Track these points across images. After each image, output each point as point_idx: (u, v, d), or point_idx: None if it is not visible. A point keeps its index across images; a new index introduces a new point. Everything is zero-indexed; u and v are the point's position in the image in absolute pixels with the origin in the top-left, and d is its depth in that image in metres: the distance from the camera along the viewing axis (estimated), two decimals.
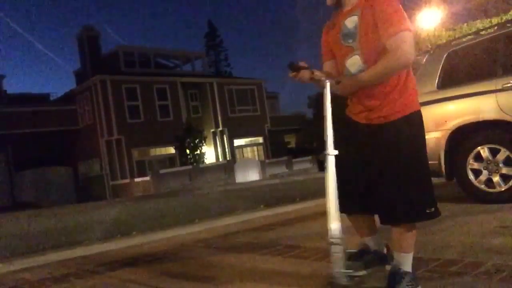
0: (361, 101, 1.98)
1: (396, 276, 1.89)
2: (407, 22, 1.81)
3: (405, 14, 1.83)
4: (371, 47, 1.88)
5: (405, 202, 1.84)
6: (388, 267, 2.05)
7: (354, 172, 1.98)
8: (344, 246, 1.86)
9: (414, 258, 2.42)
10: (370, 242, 2.20)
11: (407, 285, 1.86)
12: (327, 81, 1.93)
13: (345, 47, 1.95)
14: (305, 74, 1.92)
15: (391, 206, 1.86)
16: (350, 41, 1.93)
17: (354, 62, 1.94)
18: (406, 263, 1.93)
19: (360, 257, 2.13)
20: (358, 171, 1.97)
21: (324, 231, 2.58)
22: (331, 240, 1.85)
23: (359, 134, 1.99)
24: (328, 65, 2.11)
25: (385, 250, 2.21)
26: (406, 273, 1.90)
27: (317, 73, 1.94)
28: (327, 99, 1.93)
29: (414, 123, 1.92)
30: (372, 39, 1.86)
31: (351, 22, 1.92)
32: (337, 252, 1.86)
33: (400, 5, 1.84)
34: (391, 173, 1.86)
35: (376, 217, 2.05)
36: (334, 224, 1.85)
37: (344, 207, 1.93)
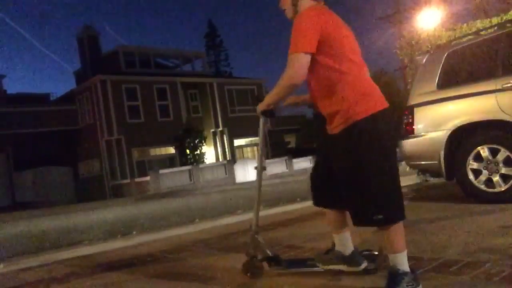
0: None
1: (394, 276, 1.89)
2: (300, 43, 1.90)
3: (304, 32, 1.91)
4: None
5: (353, 208, 1.98)
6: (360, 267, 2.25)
7: (323, 174, 2.21)
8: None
9: (414, 258, 2.44)
10: (336, 239, 2.34)
11: (407, 285, 1.86)
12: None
13: None
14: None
15: (349, 209, 2.03)
16: None
17: None
18: (400, 263, 1.92)
19: (326, 253, 2.39)
20: (326, 174, 2.18)
21: (324, 231, 2.58)
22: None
23: (326, 142, 2.14)
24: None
25: (349, 252, 2.32)
26: (405, 273, 1.89)
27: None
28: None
29: (355, 133, 1.91)
30: None
31: None
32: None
33: (304, 23, 1.92)
34: (341, 181, 2.01)
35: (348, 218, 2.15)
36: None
37: (314, 200, 2.29)
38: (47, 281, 3.09)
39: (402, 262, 1.92)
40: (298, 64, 1.90)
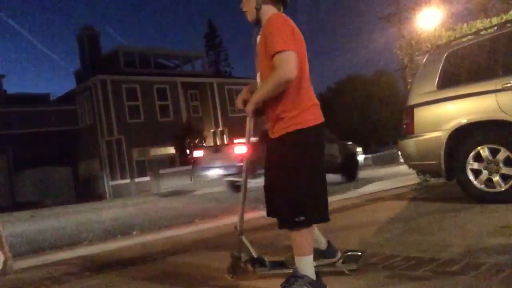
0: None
1: (291, 278, 1.99)
2: (285, 42, 1.94)
3: (285, 32, 1.97)
4: (264, 66, 2.06)
5: (278, 210, 2.07)
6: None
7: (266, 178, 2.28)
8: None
9: (414, 258, 2.44)
10: None
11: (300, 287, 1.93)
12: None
13: (257, 62, 2.17)
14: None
15: (276, 213, 2.10)
16: (256, 59, 2.18)
17: (258, 80, 2.20)
18: (301, 265, 2.00)
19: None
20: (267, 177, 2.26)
21: (323, 232, 2.59)
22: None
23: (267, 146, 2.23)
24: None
25: (323, 246, 2.41)
26: (301, 276, 1.97)
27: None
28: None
29: (287, 143, 2.04)
30: (264, 59, 2.05)
31: (257, 41, 2.14)
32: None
33: (282, 24, 1.99)
34: (270, 184, 2.15)
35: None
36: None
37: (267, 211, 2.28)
38: (47, 281, 3.09)
39: (304, 266, 1.99)
40: (290, 61, 1.93)
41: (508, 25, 4.28)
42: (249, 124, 2.41)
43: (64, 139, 23.06)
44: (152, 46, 33.82)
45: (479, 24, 6.65)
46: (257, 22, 2.14)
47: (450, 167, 4.16)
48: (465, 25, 6.90)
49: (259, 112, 2.20)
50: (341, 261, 2.35)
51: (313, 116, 2.06)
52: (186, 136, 22.68)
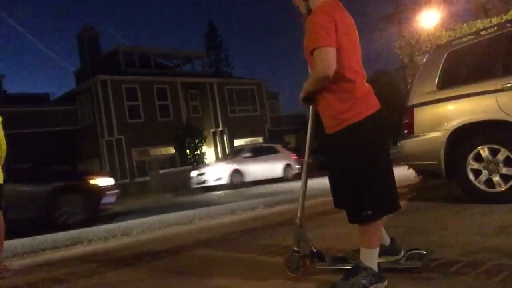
0: None
1: (355, 268, 2.03)
2: (322, 37, 1.93)
3: (324, 27, 1.95)
4: (309, 58, 2.06)
5: (346, 205, 2.11)
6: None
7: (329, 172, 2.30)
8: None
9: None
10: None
11: (363, 279, 1.97)
12: None
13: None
14: None
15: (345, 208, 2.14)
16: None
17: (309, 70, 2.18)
18: (367, 258, 2.03)
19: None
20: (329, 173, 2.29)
21: (324, 232, 2.58)
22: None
23: (324, 141, 2.22)
24: None
25: (388, 242, 2.36)
26: (366, 268, 2.01)
27: None
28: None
29: (347, 135, 2.04)
30: (307, 52, 2.06)
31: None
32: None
33: (322, 18, 1.97)
34: (334, 180, 2.19)
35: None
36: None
37: (334, 202, 2.29)
38: (47, 281, 3.09)
39: (368, 258, 2.03)
40: (326, 58, 1.92)
41: (508, 25, 4.28)
42: (311, 113, 2.34)
43: (64, 139, 23.06)
44: (152, 46, 33.86)
45: (479, 24, 6.65)
46: (310, 13, 2.11)
47: (450, 167, 4.16)
48: (465, 25, 6.91)
49: (309, 99, 2.20)
50: (404, 259, 2.31)
51: (366, 105, 2.04)
52: (186, 136, 22.67)
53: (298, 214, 2.42)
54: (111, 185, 8.16)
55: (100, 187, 7.78)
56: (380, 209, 2.02)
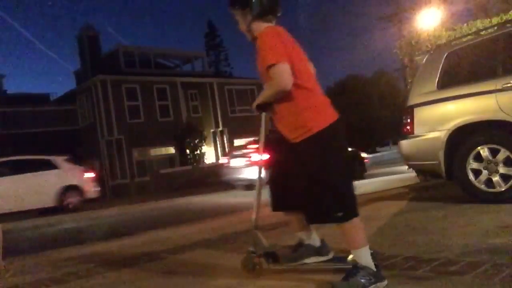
0: None
1: (352, 269, 2.06)
2: (275, 55, 2.07)
3: (274, 46, 2.10)
4: (266, 79, 2.17)
5: (314, 207, 2.18)
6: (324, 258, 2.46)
7: (281, 180, 2.39)
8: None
9: (414, 258, 2.45)
10: (303, 236, 2.49)
11: (362, 278, 2.00)
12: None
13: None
14: None
15: (306, 210, 2.26)
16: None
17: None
18: (360, 257, 2.07)
19: (294, 250, 2.51)
20: (283, 180, 2.37)
21: (323, 232, 2.59)
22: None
23: (285, 151, 2.30)
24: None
25: (318, 243, 2.50)
26: (362, 267, 2.04)
27: None
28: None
29: (314, 143, 2.12)
30: (264, 73, 2.18)
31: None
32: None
33: (270, 38, 2.13)
34: (302, 184, 2.19)
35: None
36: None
37: (275, 206, 2.43)
38: (47, 281, 3.09)
39: (362, 256, 2.07)
40: (282, 72, 2.07)
41: (508, 25, 4.28)
42: (263, 119, 2.47)
43: (64, 139, 23.05)
44: (152, 46, 33.82)
45: (479, 24, 6.65)
46: (255, 40, 2.25)
47: (450, 167, 4.16)
48: (465, 25, 6.91)
49: (265, 107, 2.32)
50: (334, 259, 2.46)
51: (324, 116, 2.15)
52: (186, 136, 22.67)
53: (253, 215, 2.45)
54: None
55: None
56: (350, 210, 2.09)
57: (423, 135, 4.34)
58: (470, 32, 5.58)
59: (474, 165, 4.01)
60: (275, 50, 2.09)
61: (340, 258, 2.45)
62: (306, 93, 2.15)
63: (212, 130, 25.54)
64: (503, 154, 3.83)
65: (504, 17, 6.58)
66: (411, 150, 4.56)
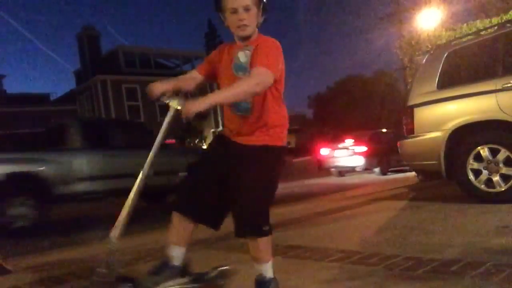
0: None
1: (263, 283, 2.03)
2: (275, 65, 1.96)
3: (278, 59, 1.99)
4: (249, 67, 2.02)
5: (245, 218, 1.98)
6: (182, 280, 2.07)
7: (209, 183, 2.08)
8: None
9: (414, 258, 2.45)
10: (177, 252, 2.10)
11: None
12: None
13: (235, 78, 2.04)
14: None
15: (237, 222, 2.01)
16: (241, 73, 2.04)
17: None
18: (268, 271, 2.05)
19: (159, 271, 2.09)
20: (213, 183, 2.08)
21: (324, 232, 2.59)
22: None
23: (229, 150, 2.09)
24: (195, 73, 2.26)
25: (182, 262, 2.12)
26: (272, 279, 2.04)
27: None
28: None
29: (272, 153, 2.04)
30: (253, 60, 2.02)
31: (243, 56, 2.06)
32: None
33: (279, 50, 2.02)
34: (237, 190, 1.99)
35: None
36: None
37: (185, 208, 2.06)
38: (47, 281, 3.09)
39: (269, 270, 2.05)
40: (268, 81, 1.93)
41: (508, 25, 4.28)
42: (169, 119, 2.19)
43: None
44: (152, 46, 33.82)
45: (479, 24, 6.66)
46: (248, 38, 2.09)
47: (450, 167, 4.17)
48: (465, 25, 6.91)
49: (202, 115, 1.96)
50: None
51: (285, 137, 2.12)
52: (186, 136, 22.69)
53: (115, 232, 1.97)
54: None
55: None
56: (270, 227, 2.04)
57: (423, 135, 4.34)
58: (470, 32, 5.58)
59: (474, 165, 4.02)
60: (277, 63, 1.99)
61: (200, 275, 2.15)
62: (282, 108, 2.10)
63: (212, 130, 25.57)
64: (503, 154, 3.83)
65: (504, 17, 6.58)
66: (411, 150, 4.56)
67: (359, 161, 13.01)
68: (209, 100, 1.88)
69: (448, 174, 4.22)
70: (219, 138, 2.20)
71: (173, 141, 20.43)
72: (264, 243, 2.01)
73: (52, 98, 28.65)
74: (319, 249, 2.91)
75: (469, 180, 4.04)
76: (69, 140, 7.12)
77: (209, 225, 2.12)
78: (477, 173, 4.01)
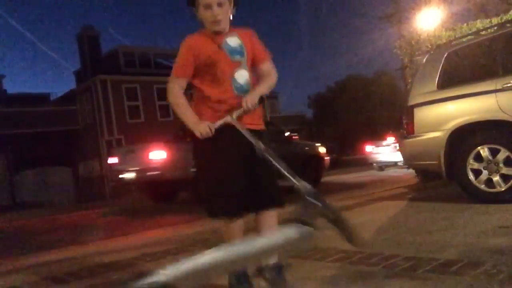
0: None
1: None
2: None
3: None
4: (251, 65, 2.30)
5: (270, 194, 2.17)
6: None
7: (239, 172, 2.12)
8: None
9: (414, 258, 2.45)
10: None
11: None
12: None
13: (232, 62, 2.21)
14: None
15: (270, 193, 2.17)
16: (238, 57, 2.22)
17: (242, 74, 2.23)
18: None
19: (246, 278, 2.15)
20: (242, 170, 2.12)
21: (323, 231, 2.59)
22: None
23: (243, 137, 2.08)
24: (182, 83, 2.27)
25: None
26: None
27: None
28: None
29: (265, 136, 2.24)
30: (250, 60, 2.28)
31: (233, 41, 2.23)
32: None
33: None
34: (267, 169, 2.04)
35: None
36: None
37: (231, 209, 2.10)
38: (47, 281, 3.09)
39: None
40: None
41: (508, 25, 4.29)
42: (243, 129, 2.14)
43: (64, 139, 23.05)
44: (152, 46, 33.80)
45: (479, 24, 6.65)
46: (220, 32, 2.22)
47: (450, 167, 4.17)
48: (465, 25, 6.90)
49: (260, 102, 2.19)
50: None
51: None
52: (186, 136, 22.66)
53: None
54: None
55: None
56: None
57: (423, 135, 4.34)
58: (470, 32, 5.58)
59: (474, 165, 4.01)
60: None
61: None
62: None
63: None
64: (503, 154, 3.83)
65: (504, 17, 6.58)
66: (411, 150, 4.56)
67: (400, 157, 14.00)
68: (259, 92, 2.18)
69: (448, 174, 4.22)
70: (227, 132, 2.10)
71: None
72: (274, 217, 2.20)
73: (52, 98, 28.60)
74: (319, 249, 2.91)
75: (469, 180, 4.04)
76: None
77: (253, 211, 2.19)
78: (477, 173, 4.01)
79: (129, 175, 8.38)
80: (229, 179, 2.09)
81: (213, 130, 2.06)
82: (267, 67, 2.31)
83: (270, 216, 2.18)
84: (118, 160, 9.16)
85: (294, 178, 1.84)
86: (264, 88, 2.23)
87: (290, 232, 1.70)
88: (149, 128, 22.49)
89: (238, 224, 2.15)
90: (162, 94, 23.39)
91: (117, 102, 21.80)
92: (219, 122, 2.09)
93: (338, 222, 1.85)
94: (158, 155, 7.97)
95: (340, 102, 32.94)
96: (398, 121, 4.95)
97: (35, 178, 21.36)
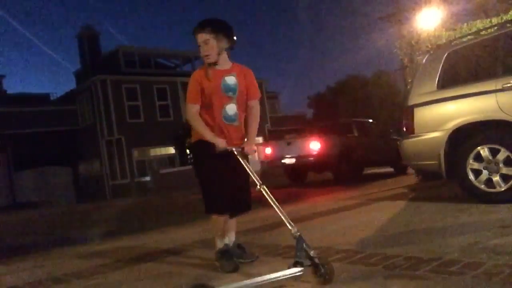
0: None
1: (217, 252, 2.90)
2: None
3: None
4: (242, 100, 2.88)
5: (248, 204, 2.94)
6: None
7: (231, 179, 2.79)
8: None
9: (414, 258, 2.45)
10: (232, 237, 2.97)
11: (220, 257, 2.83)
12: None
13: (225, 97, 2.79)
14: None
15: (245, 202, 2.91)
16: (231, 93, 2.80)
17: (231, 108, 2.82)
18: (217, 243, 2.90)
19: (229, 253, 2.85)
20: (232, 178, 2.80)
21: (324, 232, 2.59)
22: None
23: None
24: (196, 107, 2.79)
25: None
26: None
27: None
28: None
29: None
30: (243, 96, 2.88)
31: (230, 80, 2.81)
32: None
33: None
34: (244, 182, 2.86)
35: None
36: None
37: (225, 208, 2.80)
38: (47, 281, 3.09)
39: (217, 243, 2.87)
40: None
41: (508, 25, 4.28)
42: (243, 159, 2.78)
43: (64, 139, 23.05)
44: (152, 46, 33.82)
45: (479, 24, 6.65)
46: (215, 64, 2.77)
47: (450, 167, 4.17)
48: (465, 25, 6.91)
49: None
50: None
51: None
52: (186, 136, 22.67)
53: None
54: None
55: None
56: None
57: (423, 135, 4.34)
58: (470, 32, 5.58)
59: (474, 165, 4.01)
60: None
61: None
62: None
63: None
64: (503, 154, 3.83)
65: (504, 17, 6.58)
66: (411, 150, 4.56)
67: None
68: (254, 138, 2.91)
69: (448, 174, 4.21)
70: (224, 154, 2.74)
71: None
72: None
73: (52, 98, 28.59)
74: (319, 249, 2.91)
75: (469, 180, 4.04)
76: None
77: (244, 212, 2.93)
78: (477, 173, 4.01)
79: (290, 161, 10.50)
80: (221, 185, 2.75)
81: (227, 148, 2.68)
82: (255, 104, 2.93)
83: (235, 218, 2.97)
84: (276, 150, 11.10)
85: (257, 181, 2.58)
86: (255, 133, 2.94)
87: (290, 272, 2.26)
88: (149, 128, 22.51)
89: (225, 218, 2.84)
90: (162, 94, 23.43)
91: (117, 102, 21.79)
92: (230, 147, 2.70)
93: (321, 265, 2.24)
94: (315, 145, 10.04)
95: (340, 102, 32.93)
96: (398, 121, 4.95)
97: (35, 178, 21.37)
